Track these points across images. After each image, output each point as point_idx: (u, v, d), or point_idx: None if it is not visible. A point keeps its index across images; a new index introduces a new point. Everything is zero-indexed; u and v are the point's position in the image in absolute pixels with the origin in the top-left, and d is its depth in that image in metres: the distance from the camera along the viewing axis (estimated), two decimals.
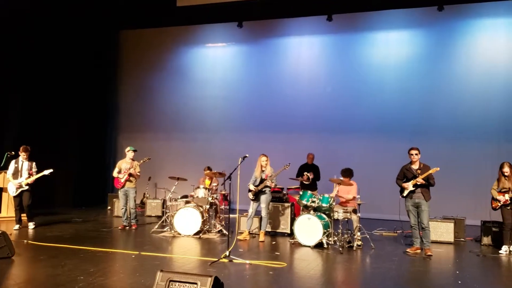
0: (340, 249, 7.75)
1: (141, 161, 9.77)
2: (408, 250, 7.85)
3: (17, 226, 9.20)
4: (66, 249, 7.38)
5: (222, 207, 10.10)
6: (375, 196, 10.15)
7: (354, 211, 8.38)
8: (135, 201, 9.79)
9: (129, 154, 9.73)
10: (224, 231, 8.91)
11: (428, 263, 7.13)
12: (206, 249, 7.83)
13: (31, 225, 9.28)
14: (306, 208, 8.43)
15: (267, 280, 6.02)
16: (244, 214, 9.23)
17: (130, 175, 9.56)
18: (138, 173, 9.70)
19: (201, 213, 8.88)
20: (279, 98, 13.18)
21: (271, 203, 9.07)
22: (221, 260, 6.75)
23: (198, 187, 9.39)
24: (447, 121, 11.67)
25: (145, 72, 14.62)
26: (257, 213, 8.92)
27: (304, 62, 13.18)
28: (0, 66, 11.67)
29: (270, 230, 9.30)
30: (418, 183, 7.59)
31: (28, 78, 12.37)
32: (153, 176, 13.16)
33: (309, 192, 8.54)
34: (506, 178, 7.82)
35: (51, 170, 9.15)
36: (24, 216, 9.44)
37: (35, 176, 9.11)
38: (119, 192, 9.75)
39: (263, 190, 8.61)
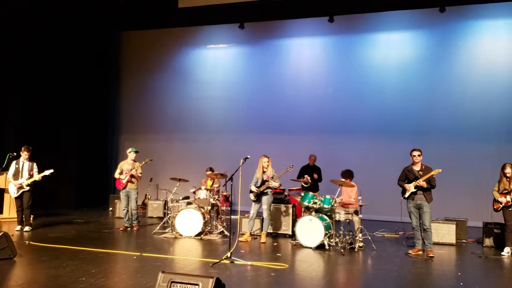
0: (342, 250, 7.74)
1: (143, 162, 9.77)
2: (410, 251, 7.83)
3: (18, 227, 9.20)
4: (68, 250, 7.39)
5: (224, 208, 10.10)
6: (377, 197, 10.13)
7: (356, 213, 8.37)
8: (136, 202, 9.78)
9: (131, 155, 9.74)
10: (226, 232, 8.91)
11: (430, 265, 7.12)
12: (207, 250, 7.83)
13: (26, 228, 9.16)
14: (308, 209, 8.42)
15: (268, 281, 6.02)
16: (246, 215, 9.22)
17: (131, 176, 9.56)
18: (140, 174, 9.71)
19: (203, 214, 8.88)
20: (280, 99, 13.18)
21: (272, 204, 9.07)
22: (222, 261, 6.75)
23: (200, 188, 9.39)
24: (448, 122, 11.66)
25: (147, 73, 14.63)
26: (259, 214, 8.92)
27: (306, 63, 13.18)
28: (2, 66, 11.69)
29: (271, 231, 9.30)
30: (420, 186, 7.58)
31: (30, 79, 12.39)
32: (154, 177, 13.17)
33: (311, 193, 8.54)
34: (508, 179, 7.81)
35: (51, 171, 9.13)
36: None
37: (36, 177, 9.10)
38: (121, 193, 9.75)
39: (265, 191, 8.61)
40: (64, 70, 13.10)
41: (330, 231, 8.12)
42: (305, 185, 10.09)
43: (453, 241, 8.74)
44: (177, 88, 14.35)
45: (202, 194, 9.18)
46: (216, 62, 14.12)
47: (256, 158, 8.70)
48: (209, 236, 8.90)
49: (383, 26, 12.49)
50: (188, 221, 8.84)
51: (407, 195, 7.77)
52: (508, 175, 7.79)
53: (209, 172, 10.27)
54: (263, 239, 8.65)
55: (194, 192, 9.47)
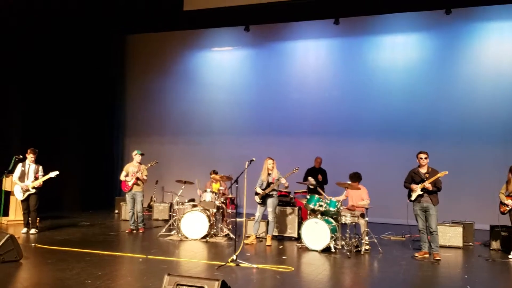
0: (348, 253, 7.72)
1: (149, 165, 9.79)
2: (416, 254, 7.79)
3: (25, 230, 9.22)
4: (74, 253, 7.40)
5: (229, 211, 10.09)
6: (383, 200, 10.10)
7: (362, 216, 8.33)
8: (142, 204, 9.79)
9: (136, 157, 9.75)
10: (231, 235, 8.90)
11: (437, 268, 7.08)
12: (213, 253, 7.83)
13: (32, 231, 9.19)
14: (314, 212, 8.39)
15: (274, 284, 6.00)
16: (251, 218, 9.21)
17: (137, 178, 9.57)
18: (145, 177, 9.71)
19: (208, 216, 8.88)
20: (285, 102, 13.17)
21: (278, 207, 9.06)
22: (228, 264, 6.74)
23: (205, 191, 9.39)
24: (455, 124, 11.60)
25: (152, 76, 14.68)
26: (264, 217, 8.91)
27: (311, 66, 13.17)
28: (7, 70, 11.76)
29: (277, 234, 9.27)
30: (426, 188, 7.54)
31: (36, 82, 12.46)
32: (160, 180, 13.18)
33: (317, 196, 8.51)
34: None
35: (57, 172, 9.15)
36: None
37: (42, 179, 9.12)
38: (127, 195, 9.77)
39: (270, 193, 8.59)
40: (70, 73, 13.17)
41: (336, 234, 8.09)
42: (311, 187, 10.07)
43: (460, 244, 8.69)
44: (182, 90, 14.38)
45: (208, 196, 9.18)
46: (221, 64, 14.14)
47: (262, 161, 8.70)
48: (214, 239, 8.89)
49: (388, 28, 12.46)
50: (194, 224, 8.84)
51: (413, 197, 7.73)
52: None
53: (214, 175, 10.27)
54: (269, 242, 8.63)
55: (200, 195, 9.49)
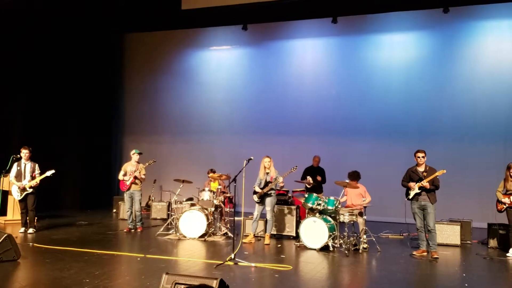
0: (346, 252, 7.72)
1: (147, 164, 9.78)
2: (414, 252, 7.81)
3: (22, 229, 9.21)
4: (72, 252, 7.39)
5: (227, 209, 10.09)
6: (381, 198, 10.11)
7: (360, 214, 8.33)
8: (140, 203, 9.78)
9: (135, 156, 9.74)
10: (229, 234, 8.90)
11: (435, 266, 7.09)
12: (211, 252, 7.83)
13: (30, 230, 9.16)
14: (312, 211, 8.40)
15: (272, 283, 6.01)
16: (249, 216, 9.21)
17: (135, 177, 9.57)
18: (143, 176, 9.71)
19: (206, 215, 8.88)
20: (283, 101, 13.17)
21: (276, 206, 9.06)
22: (226, 263, 6.74)
23: (203, 190, 9.38)
24: (453, 123, 11.62)
25: (150, 75, 14.67)
26: (262, 216, 8.91)
27: (309, 65, 13.17)
28: (6, 68, 11.73)
29: (275, 233, 9.27)
30: (423, 186, 7.55)
31: (34, 81, 12.43)
32: (158, 179, 13.18)
33: (315, 194, 8.52)
34: None
35: (53, 171, 9.11)
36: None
37: (38, 178, 9.10)
38: (125, 194, 9.76)
39: (269, 192, 8.59)
40: (68, 72, 13.15)
41: (334, 232, 8.10)
42: (308, 186, 10.07)
43: (458, 242, 8.70)
44: (180, 89, 14.37)
45: (206, 195, 9.18)
46: (219, 63, 14.13)
47: (260, 160, 8.71)
48: (212, 238, 8.89)
49: (386, 27, 12.47)
50: (192, 223, 8.84)
51: (411, 196, 7.75)
52: None
53: (212, 174, 10.27)
54: (267, 240, 8.64)
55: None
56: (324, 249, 7.94)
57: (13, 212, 10.42)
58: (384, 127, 12.16)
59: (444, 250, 8.22)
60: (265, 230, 8.89)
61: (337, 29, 12.62)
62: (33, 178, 9.14)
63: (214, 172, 10.41)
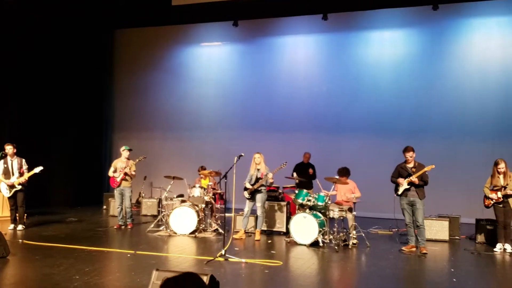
0: (336, 247, 7.77)
1: (137, 160, 9.76)
2: (403, 248, 7.87)
3: (12, 226, 9.16)
4: (62, 249, 7.37)
5: (218, 206, 10.10)
6: (371, 194, 10.13)
7: (350, 210, 8.38)
8: (130, 200, 9.77)
9: (124, 153, 9.72)
10: (220, 230, 8.91)
11: (423, 261, 7.16)
12: (202, 248, 7.84)
13: (19, 227, 9.12)
14: (302, 206, 8.44)
15: (262, 278, 6.04)
16: (240, 213, 9.24)
17: (125, 174, 9.54)
18: (134, 172, 9.69)
19: (197, 212, 8.88)
20: (274, 97, 13.18)
21: (266, 202, 9.09)
22: (217, 259, 6.76)
23: (194, 186, 9.38)
24: (442, 119, 11.71)
25: (140, 71, 14.59)
26: (253, 212, 8.93)
27: (300, 61, 13.18)
28: None
29: (265, 228, 9.31)
30: (413, 182, 7.61)
31: (23, 78, 12.29)
32: (148, 175, 13.14)
33: (305, 190, 8.56)
34: (500, 175, 7.83)
35: (41, 168, 9.05)
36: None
37: (27, 175, 9.04)
38: (115, 191, 9.74)
39: (259, 189, 8.62)
40: (57, 68, 13.03)
41: (324, 228, 8.14)
42: (297, 181, 10.10)
43: (446, 237, 8.79)
44: (171, 86, 14.32)
45: (196, 192, 9.18)
46: (210, 60, 14.09)
47: (251, 156, 8.73)
48: (203, 234, 8.90)
49: (376, 24, 12.51)
50: (183, 219, 8.84)
51: (400, 192, 7.81)
52: (501, 170, 7.81)
53: (202, 171, 10.26)
54: (257, 236, 8.67)
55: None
56: (314, 244, 7.99)
57: (2, 208, 10.36)
58: (374, 123, 12.22)
59: (433, 245, 8.30)
60: (255, 226, 8.92)
61: (327, 26, 12.63)
62: (21, 174, 9.07)
63: (204, 169, 10.42)
